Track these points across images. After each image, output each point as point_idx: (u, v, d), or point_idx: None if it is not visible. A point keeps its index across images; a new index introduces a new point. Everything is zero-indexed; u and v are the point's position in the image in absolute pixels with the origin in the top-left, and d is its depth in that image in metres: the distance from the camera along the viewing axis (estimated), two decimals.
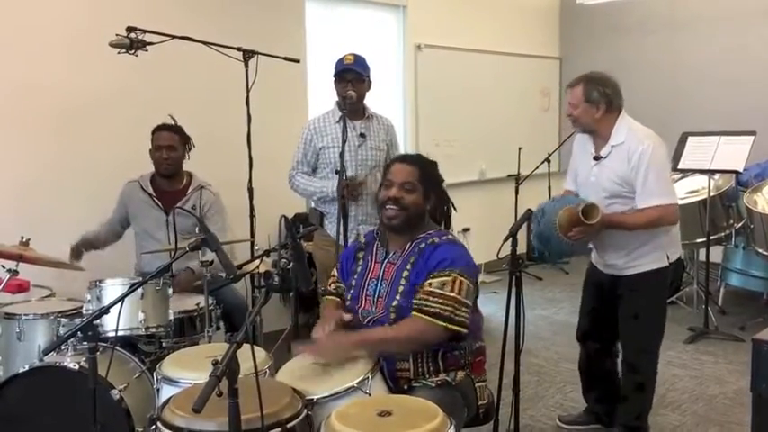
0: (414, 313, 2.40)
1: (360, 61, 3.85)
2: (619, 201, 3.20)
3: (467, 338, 2.53)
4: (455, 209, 2.75)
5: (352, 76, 3.79)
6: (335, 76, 3.83)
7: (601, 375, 3.60)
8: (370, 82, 3.90)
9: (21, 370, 2.80)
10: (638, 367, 3.35)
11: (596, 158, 3.27)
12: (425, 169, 2.60)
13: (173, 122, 3.90)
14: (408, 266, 2.50)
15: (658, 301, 3.38)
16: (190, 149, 3.99)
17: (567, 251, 3.37)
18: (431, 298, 2.38)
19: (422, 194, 2.55)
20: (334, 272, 2.80)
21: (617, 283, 3.35)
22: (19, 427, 2.76)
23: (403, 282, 2.48)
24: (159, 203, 3.89)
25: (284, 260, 1.96)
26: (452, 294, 2.39)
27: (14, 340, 3.10)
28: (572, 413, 3.78)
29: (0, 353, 3.14)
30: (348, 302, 2.63)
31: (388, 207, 2.54)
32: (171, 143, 3.85)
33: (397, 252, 2.58)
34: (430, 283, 2.41)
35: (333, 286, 2.75)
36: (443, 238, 2.55)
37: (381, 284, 2.54)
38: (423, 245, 2.52)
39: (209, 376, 1.63)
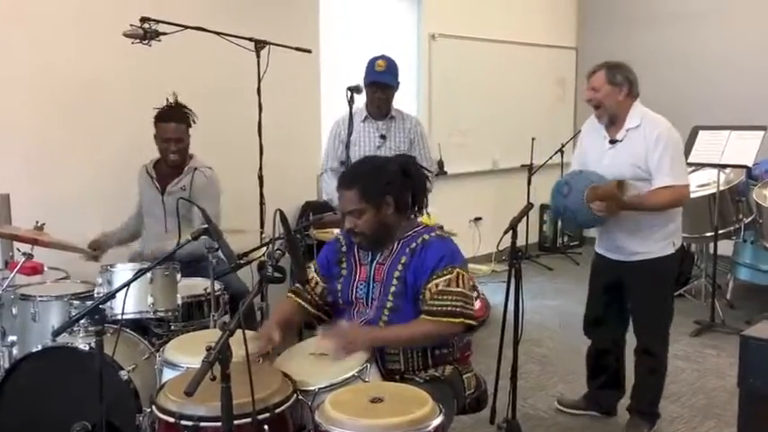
0: (427, 317, 2.40)
1: (390, 68, 3.92)
2: (637, 183, 3.29)
3: (475, 330, 2.56)
4: (429, 180, 2.61)
5: (382, 85, 3.90)
6: (366, 81, 3.91)
7: (608, 365, 3.66)
8: (398, 83, 4.00)
9: (34, 349, 2.88)
10: (651, 351, 3.45)
11: (612, 142, 3.36)
12: (365, 182, 2.46)
13: (173, 104, 3.89)
14: (400, 267, 2.48)
15: (668, 285, 3.50)
16: (191, 126, 3.93)
17: (590, 223, 3.50)
18: (441, 297, 2.39)
19: (373, 210, 2.46)
20: (314, 270, 2.70)
21: (626, 271, 3.43)
22: (31, 404, 2.84)
23: (395, 282, 2.48)
24: (157, 184, 3.95)
25: (278, 251, 2.02)
26: (459, 289, 2.41)
27: (29, 321, 3.19)
28: (571, 397, 3.86)
29: (16, 332, 3.23)
30: (340, 306, 2.64)
31: (351, 236, 2.55)
32: (179, 135, 3.83)
33: (384, 252, 2.54)
34: (436, 284, 2.41)
35: (318, 288, 2.68)
36: (432, 234, 2.53)
37: (373, 287, 2.53)
38: (413, 244, 2.50)
39: (202, 362, 1.69)
